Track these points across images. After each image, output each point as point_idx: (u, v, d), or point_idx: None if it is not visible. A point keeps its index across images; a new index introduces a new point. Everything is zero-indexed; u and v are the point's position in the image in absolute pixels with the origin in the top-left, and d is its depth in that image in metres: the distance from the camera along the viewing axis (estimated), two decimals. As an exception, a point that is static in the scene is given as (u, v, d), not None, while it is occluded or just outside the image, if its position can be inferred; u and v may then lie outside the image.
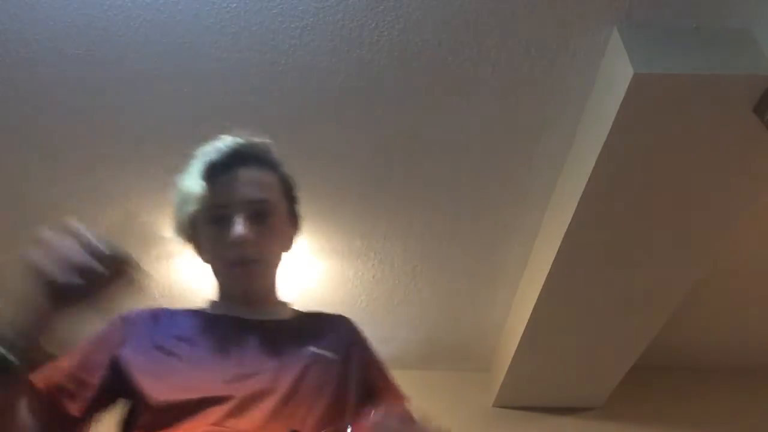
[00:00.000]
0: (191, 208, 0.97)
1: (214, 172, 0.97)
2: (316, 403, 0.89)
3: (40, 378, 0.84)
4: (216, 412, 0.83)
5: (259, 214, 0.97)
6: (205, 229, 0.99)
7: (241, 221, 0.95)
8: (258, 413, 0.84)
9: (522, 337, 2.51)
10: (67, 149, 2.00)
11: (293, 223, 1.09)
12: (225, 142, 1.00)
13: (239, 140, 1.01)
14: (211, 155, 0.98)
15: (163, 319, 0.99)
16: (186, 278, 2.53)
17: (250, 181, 0.99)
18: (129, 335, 0.94)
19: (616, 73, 1.64)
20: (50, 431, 0.84)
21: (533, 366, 2.67)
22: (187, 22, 1.66)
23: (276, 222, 1.01)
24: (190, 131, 1.94)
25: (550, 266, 2.16)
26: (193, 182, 0.96)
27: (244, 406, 0.85)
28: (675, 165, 1.80)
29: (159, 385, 0.86)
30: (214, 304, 1.05)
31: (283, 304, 1.08)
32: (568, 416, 2.91)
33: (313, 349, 0.97)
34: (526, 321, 2.44)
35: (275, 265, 1.05)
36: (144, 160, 2.03)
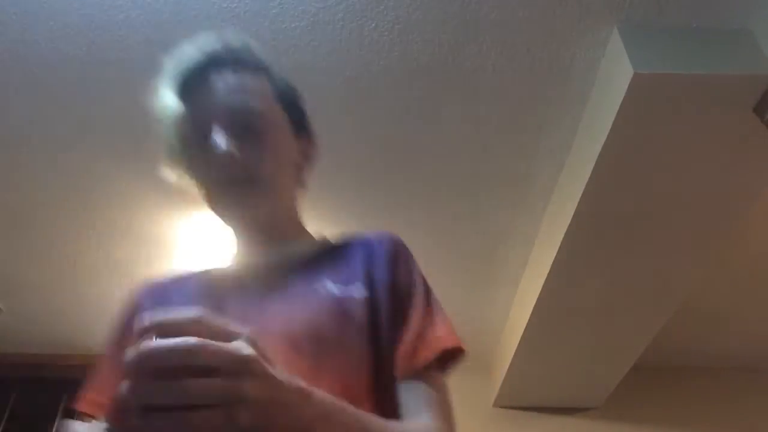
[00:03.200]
0: (173, 134, 0.82)
1: (188, 86, 0.81)
2: (333, 356, 0.70)
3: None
4: None
5: (245, 126, 0.79)
6: (192, 156, 0.82)
7: (222, 135, 0.77)
8: None
9: (522, 337, 2.51)
10: (67, 149, 2.00)
11: (302, 138, 0.91)
12: (195, 46, 0.82)
13: (212, 42, 0.83)
14: (181, 65, 0.81)
15: (167, 289, 0.85)
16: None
17: (229, 89, 0.81)
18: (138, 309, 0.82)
19: (616, 73, 1.64)
20: None
21: (533, 366, 2.67)
22: (187, 23, 1.66)
23: (271, 134, 0.82)
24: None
25: (550, 266, 2.16)
26: (167, 103, 0.81)
27: None
28: (675, 165, 1.80)
29: None
30: (231, 256, 0.88)
31: (310, 238, 0.89)
32: (568, 416, 2.91)
33: (330, 285, 0.77)
34: (526, 321, 2.44)
35: (286, 189, 0.86)
36: (144, 160, 2.03)
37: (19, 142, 1.98)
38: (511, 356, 2.64)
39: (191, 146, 0.81)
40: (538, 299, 2.31)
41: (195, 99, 0.80)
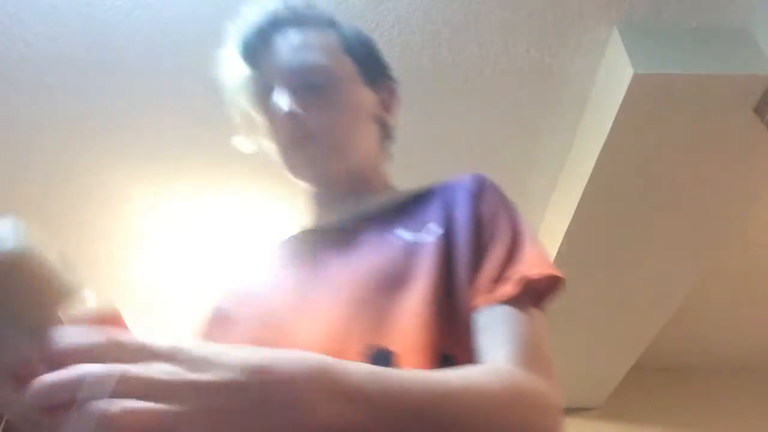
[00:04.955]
0: (242, 100, 0.82)
1: (252, 50, 0.80)
2: (406, 308, 0.63)
3: None
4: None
5: (309, 84, 0.78)
6: (260, 121, 0.82)
7: (283, 96, 0.76)
8: (311, 331, 0.63)
9: (522, 337, 2.51)
10: (67, 149, 2.00)
11: (381, 88, 0.92)
12: (256, 9, 0.82)
13: (273, 3, 0.82)
14: (243, 30, 0.81)
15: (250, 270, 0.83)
16: (170, 278, 2.53)
17: (292, 48, 0.79)
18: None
19: (616, 73, 1.64)
20: None
21: (533, 366, 2.67)
22: (186, 23, 1.66)
23: (339, 88, 0.80)
24: (191, 131, 1.95)
25: (550, 266, 2.16)
26: (233, 69, 0.82)
27: (293, 328, 0.65)
28: (675, 165, 1.80)
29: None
30: (306, 217, 0.87)
31: (390, 191, 0.90)
32: (568, 416, 2.89)
33: (401, 232, 0.72)
34: (526, 321, 2.44)
35: (360, 143, 0.84)
36: (144, 160, 2.03)
37: (19, 142, 1.98)
38: (511, 356, 2.64)
39: (260, 111, 0.81)
40: (538, 299, 2.31)
41: (259, 62, 0.80)
